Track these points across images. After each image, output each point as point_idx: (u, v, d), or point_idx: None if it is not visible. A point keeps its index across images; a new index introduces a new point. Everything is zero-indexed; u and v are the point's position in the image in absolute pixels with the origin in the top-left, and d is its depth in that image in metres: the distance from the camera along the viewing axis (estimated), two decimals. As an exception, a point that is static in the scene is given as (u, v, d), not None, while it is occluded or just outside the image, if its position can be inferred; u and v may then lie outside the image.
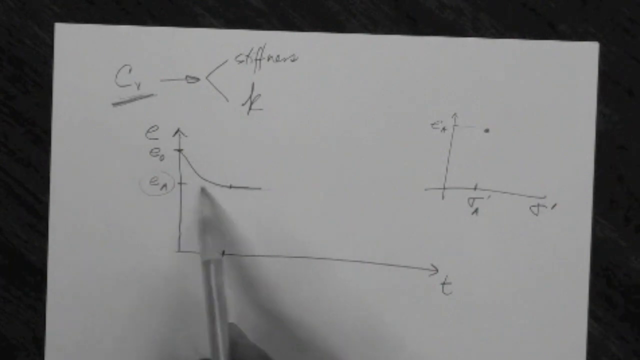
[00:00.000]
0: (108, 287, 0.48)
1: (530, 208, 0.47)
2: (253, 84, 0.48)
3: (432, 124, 0.48)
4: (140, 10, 0.48)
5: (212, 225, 0.46)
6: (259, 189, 0.48)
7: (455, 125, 0.48)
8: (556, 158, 0.47)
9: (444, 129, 0.48)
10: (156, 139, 0.48)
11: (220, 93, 0.48)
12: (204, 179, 0.48)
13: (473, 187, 0.48)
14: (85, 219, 0.48)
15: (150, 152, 0.48)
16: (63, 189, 0.48)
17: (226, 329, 0.41)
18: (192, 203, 0.48)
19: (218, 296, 0.42)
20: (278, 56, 0.48)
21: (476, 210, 0.48)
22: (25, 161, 0.49)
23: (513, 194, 0.47)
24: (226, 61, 0.48)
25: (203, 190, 0.47)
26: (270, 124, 0.48)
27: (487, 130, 0.48)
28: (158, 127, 0.48)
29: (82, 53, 0.48)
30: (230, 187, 0.48)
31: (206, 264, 0.43)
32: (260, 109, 0.48)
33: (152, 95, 0.48)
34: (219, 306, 0.42)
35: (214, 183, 0.48)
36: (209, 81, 0.48)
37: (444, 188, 0.48)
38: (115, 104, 0.48)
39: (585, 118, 0.47)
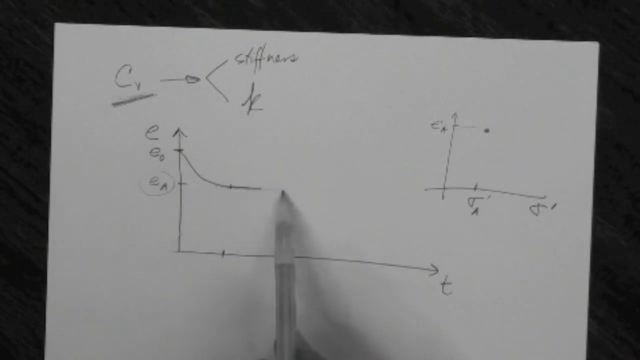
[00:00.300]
0: (108, 287, 0.48)
1: (530, 208, 0.47)
2: (253, 84, 0.48)
3: (432, 124, 0.48)
4: (140, 10, 0.48)
5: (288, 230, 0.46)
6: (259, 189, 0.48)
7: (455, 125, 0.48)
8: (556, 158, 0.47)
9: (444, 129, 0.48)
10: (156, 139, 0.48)
11: (220, 93, 0.48)
12: (204, 179, 0.48)
13: (473, 187, 0.48)
14: (85, 219, 0.48)
15: (150, 152, 0.48)
16: (63, 189, 0.48)
17: (294, 333, 0.41)
18: (192, 203, 0.48)
19: (288, 300, 0.42)
20: (278, 56, 0.48)
21: (476, 210, 0.48)
22: (25, 161, 0.49)
23: (513, 194, 0.47)
24: (226, 61, 0.48)
25: (283, 194, 0.47)
26: (270, 124, 0.48)
27: (487, 130, 0.48)
28: (158, 127, 0.48)
29: (82, 53, 0.48)
30: (230, 187, 0.48)
31: (279, 268, 0.43)
32: (260, 109, 0.48)
33: (152, 95, 0.48)
34: (289, 310, 0.42)
35: (213, 183, 0.48)
36: (209, 81, 0.48)
37: (444, 188, 0.48)
38: (115, 104, 0.48)
39: (585, 118, 0.47)
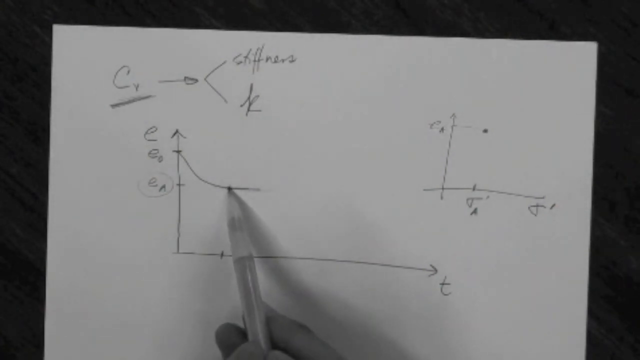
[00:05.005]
0: (107, 287, 0.48)
1: (529, 208, 0.47)
2: (251, 85, 0.48)
3: (431, 125, 0.47)
4: (140, 10, 0.48)
5: (240, 224, 0.46)
6: (258, 190, 0.48)
7: (453, 125, 0.48)
8: (555, 158, 0.47)
9: (442, 129, 0.48)
10: (155, 140, 0.48)
11: (219, 94, 0.48)
12: (203, 180, 0.48)
13: (472, 187, 0.48)
14: (84, 220, 0.48)
15: (149, 153, 0.48)
16: (62, 189, 0.48)
17: (264, 319, 0.42)
18: (191, 204, 0.48)
19: (254, 290, 0.43)
20: (276, 57, 0.48)
21: (475, 211, 0.48)
22: (25, 161, 0.49)
23: (512, 194, 0.47)
24: (224, 62, 0.48)
25: (230, 191, 0.47)
26: (269, 125, 0.48)
27: (485, 131, 0.47)
28: (157, 129, 0.48)
29: (80, 55, 0.48)
30: (229, 188, 0.48)
31: (240, 261, 0.43)
32: (259, 110, 0.48)
33: (150, 96, 0.48)
34: (256, 299, 0.43)
35: (212, 184, 0.48)
36: (207, 82, 0.48)
37: (443, 188, 0.48)
38: (113, 106, 0.48)
39: (584, 118, 0.47)
